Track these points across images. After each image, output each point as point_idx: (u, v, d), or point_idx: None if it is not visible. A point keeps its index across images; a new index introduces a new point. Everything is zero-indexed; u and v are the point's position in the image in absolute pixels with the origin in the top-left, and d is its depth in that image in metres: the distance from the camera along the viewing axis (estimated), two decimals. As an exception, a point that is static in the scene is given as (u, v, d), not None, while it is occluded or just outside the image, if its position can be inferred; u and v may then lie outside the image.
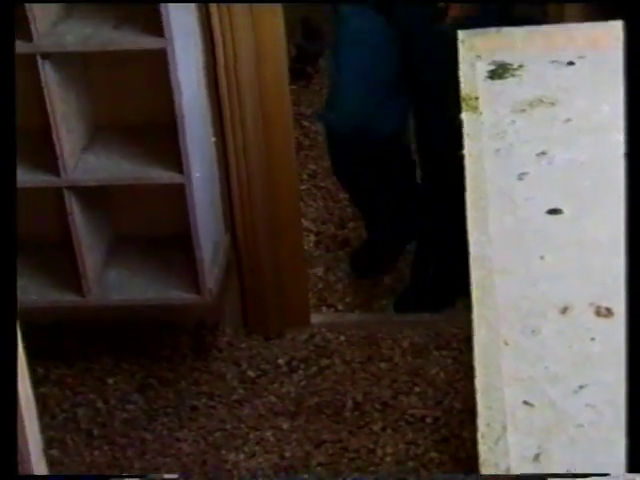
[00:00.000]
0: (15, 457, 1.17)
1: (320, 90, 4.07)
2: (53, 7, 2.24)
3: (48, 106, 2.23)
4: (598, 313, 1.10)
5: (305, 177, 3.54)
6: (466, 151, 1.38)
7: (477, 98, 1.52)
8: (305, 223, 3.22)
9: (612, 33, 1.70)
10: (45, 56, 2.18)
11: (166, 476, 2.35)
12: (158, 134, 2.42)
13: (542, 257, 1.20)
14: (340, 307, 2.92)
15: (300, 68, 4.18)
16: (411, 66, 2.55)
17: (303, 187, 3.41)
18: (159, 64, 2.19)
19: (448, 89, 1.60)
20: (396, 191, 2.77)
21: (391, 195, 2.78)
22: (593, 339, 1.08)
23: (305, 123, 3.89)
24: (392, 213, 2.86)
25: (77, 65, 2.37)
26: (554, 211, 1.28)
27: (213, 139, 2.53)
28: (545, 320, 1.11)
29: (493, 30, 1.75)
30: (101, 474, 2.37)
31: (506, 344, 1.08)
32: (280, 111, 2.63)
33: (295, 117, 3.50)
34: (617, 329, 1.08)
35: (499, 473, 0.93)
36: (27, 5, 2.12)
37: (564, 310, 1.11)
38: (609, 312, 1.10)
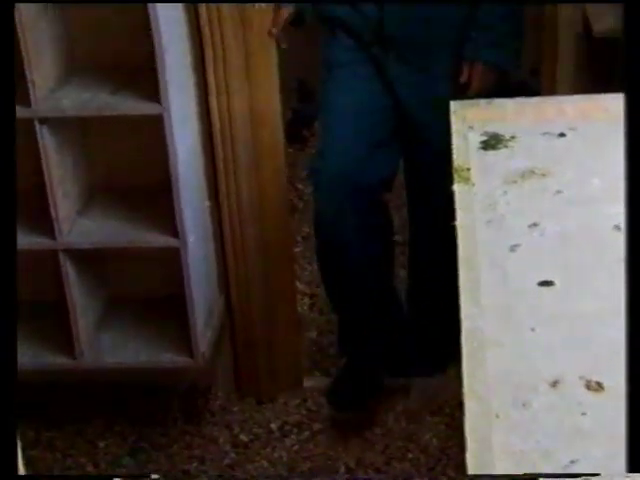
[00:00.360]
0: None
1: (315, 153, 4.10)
2: (52, 72, 2.27)
3: (45, 170, 2.25)
4: (589, 387, 1.11)
5: (299, 239, 3.55)
6: (458, 222, 1.39)
7: (469, 169, 1.53)
8: (299, 286, 3.23)
9: (602, 105, 1.73)
10: (43, 121, 2.20)
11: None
12: (153, 197, 2.44)
13: (533, 329, 1.21)
14: (333, 371, 2.92)
15: (296, 131, 4.22)
16: (404, 126, 2.55)
17: (297, 249, 3.43)
18: (155, 128, 2.22)
19: (444, 158, 1.62)
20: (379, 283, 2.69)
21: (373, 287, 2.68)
22: (584, 414, 1.08)
23: (300, 186, 3.91)
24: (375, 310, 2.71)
25: (74, 129, 2.40)
26: (545, 283, 1.29)
27: (208, 203, 2.55)
28: (536, 393, 1.11)
29: (484, 101, 1.77)
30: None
31: (497, 417, 1.09)
32: (275, 174, 2.66)
33: (290, 179, 3.53)
34: (608, 404, 1.08)
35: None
36: (27, 70, 2.15)
37: (555, 384, 1.12)
38: (599, 386, 1.11)
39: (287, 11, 2.44)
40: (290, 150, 3.84)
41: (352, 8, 2.42)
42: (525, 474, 0.97)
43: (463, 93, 2.32)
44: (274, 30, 2.43)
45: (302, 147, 4.21)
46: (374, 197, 2.59)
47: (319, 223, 2.64)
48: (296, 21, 2.48)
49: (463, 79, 2.37)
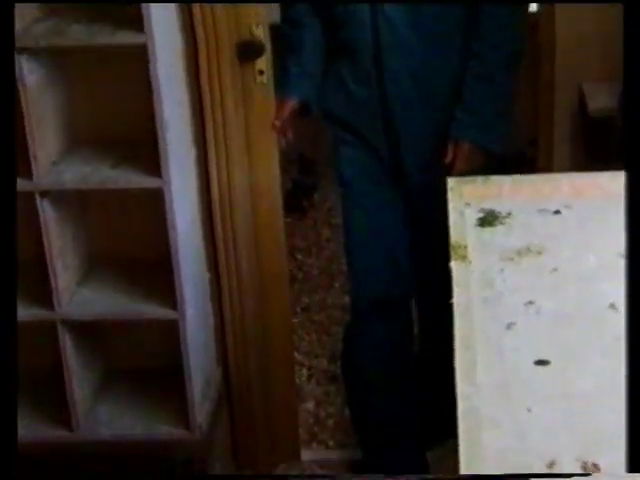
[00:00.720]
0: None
1: (314, 224, 4.13)
2: (54, 146, 2.29)
3: (45, 241, 2.26)
4: (585, 469, 1.11)
5: (298, 310, 3.56)
6: (455, 300, 1.40)
7: (466, 246, 1.55)
8: (297, 357, 3.22)
9: (597, 183, 1.75)
10: (44, 194, 2.22)
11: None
12: (153, 268, 2.45)
13: (529, 409, 1.21)
14: (331, 443, 2.90)
15: (296, 201, 4.26)
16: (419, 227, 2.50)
17: (296, 320, 3.43)
18: (156, 202, 2.23)
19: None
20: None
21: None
22: (580, 495, 1.08)
23: (299, 256, 3.93)
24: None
25: (75, 202, 2.42)
26: (541, 362, 1.30)
27: (207, 275, 2.56)
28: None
29: (481, 178, 1.79)
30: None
31: (494, 498, 1.08)
32: (274, 245, 2.68)
33: (289, 250, 3.55)
34: (604, 485, 1.08)
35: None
36: (30, 144, 2.18)
37: (551, 465, 1.12)
38: (596, 468, 1.10)
39: (292, 103, 2.38)
40: (289, 220, 3.87)
41: (356, 108, 2.37)
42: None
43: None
44: (277, 122, 2.38)
45: (301, 217, 4.24)
46: (399, 312, 2.58)
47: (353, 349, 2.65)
48: (302, 112, 2.41)
49: (448, 159, 2.28)
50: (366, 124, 2.37)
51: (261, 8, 2.46)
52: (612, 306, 1.40)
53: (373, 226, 2.48)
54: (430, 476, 2.06)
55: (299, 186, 4.39)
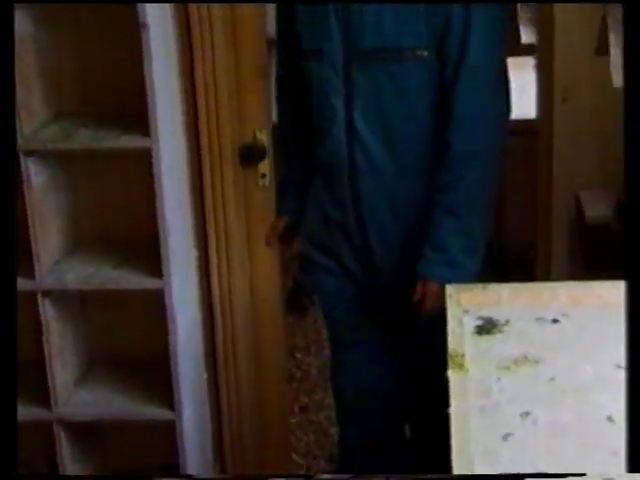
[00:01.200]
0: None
1: (315, 322, 4.13)
2: (57, 246, 2.32)
3: (45, 340, 2.27)
4: None
5: (297, 409, 3.53)
6: (452, 410, 1.40)
7: (464, 355, 1.56)
8: (295, 457, 3.19)
9: (595, 292, 1.77)
10: (46, 293, 2.24)
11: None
12: (152, 368, 2.45)
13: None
14: None
15: (296, 300, 4.26)
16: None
17: (294, 420, 3.40)
18: (156, 302, 2.25)
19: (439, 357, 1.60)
20: None
21: None
22: None
23: (298, 355, 3.92)
24: None
25: (76, 302, 2.44)
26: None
27: (205, 375, 2.56)
28: None
29: (480, 285, 1.81)
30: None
31: None
32: (274, 346, 2.68)
33: (289, 349, 3.55)
34: None
35: None
36: (33, 244, 2.20)
37: None
38: None
39: (284, 221, 2.38)
40: (290, 319, 3.87)
41: (334, 233, 2.29)
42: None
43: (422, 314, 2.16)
44: (270, 239, 2.42)
45: (302, 316, 4.24)
46: (390, 442, 2.49)
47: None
48: (293, 229, 2.40)
49: (416, 298, 2.14)
50: (344, 249, 2.28)
51: (264, 111, 2.51)
52: (609, 419, 1.40)
53: (358, 363, 2.39)
54: (427, 476, 1.98)
55: (300, 285, 4.40)
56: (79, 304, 2.46)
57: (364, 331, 2.38)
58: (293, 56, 2.23)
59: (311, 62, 2.17)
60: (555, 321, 1.72)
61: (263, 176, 2.51)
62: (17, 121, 2.11)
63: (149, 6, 2.09)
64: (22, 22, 2.15)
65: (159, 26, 2.18)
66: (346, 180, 2.18)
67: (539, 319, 1.73)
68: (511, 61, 2.21)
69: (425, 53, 2.07)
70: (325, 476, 2.45)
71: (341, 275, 2.33)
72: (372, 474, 2.21)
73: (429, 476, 1.90)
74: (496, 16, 2.10)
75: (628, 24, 1.28)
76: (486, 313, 1.75)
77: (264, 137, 2.49)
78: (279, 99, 2.40)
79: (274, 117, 2.48)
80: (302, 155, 2.33)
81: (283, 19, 2.26)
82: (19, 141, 2.14)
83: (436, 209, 2.13)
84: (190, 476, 2.37)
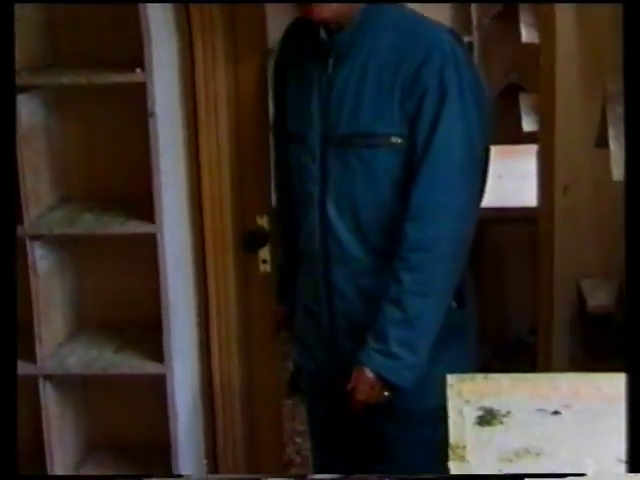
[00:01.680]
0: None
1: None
2: (60, 329, 2.33)
3: (44, 423, 2.27)
4: None
5: (295, 496, 3.49)
6: (453, 502, 1.39)
7: (465, 447, 1.55)
8: None
9: (595, 384, 1.76)
10: (47, 377, 2.24)
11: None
12: (152, 452, 2.44)
13: None
14: None
15: (297, 383, 4.24)
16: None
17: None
18: (157, 387, 2.25)
19: None
20: None
21: None
22: None
23: (298, 439, 3.89)
24: None
25: (77, 385, 2.43)
26: None
27: (205, 461, 2.54)
28: None
29: (481, 375, 1.81)
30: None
31: None
32: (272, 433, 2.67)
33: (288, 433, 3.52)
34: None
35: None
36: (36, 326, 2.21)
37: None
38: None
39: (282, 310, 2.39)
40: (290, 403, 3.85)
41: (311, 327, 2.24)
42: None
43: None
44: (275, 332, 2.49)
45: (303, 399, 4.21)
46: None
47: None
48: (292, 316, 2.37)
49: (349, 386, 2.05)
50: (313, 339, 2.24)
51: (266, 196, 2.53)
52: (612, 514, 1.39)
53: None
54: (425, 476, 1.93)
55: (300, 368, 4.38)
56: (80, 388, 2.46)
57: (349, 449, 2.31)
58: (284, 140, 2.23)
59: (295, 146, 2.16)
60: (556, 413, 1.71)
61: (264, 262, 2.53)
62: (24, 206, 2.14)
63: (158, 94, 2.13)
64: (33, 109, 2.19)
65: (167, 113, 2.22)
66: (321, 267, 2.14)
67: (540, 410, 1.72)
68: (511, 149, 2.20)
69: (399, 140, 2.04)
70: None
71: (313, 365, 2.32)
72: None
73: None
74: (471, 110, 2.05)
75: (628, 102, 1.28)
76: (487, 403, 1.74)
77: (265, 223, 2.51)
78: (276, 184, 2.41)
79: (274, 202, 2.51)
80: (294, 242, 2.27)
81: (278, 101, 2.26)
82: (25, 226, 2.16)
83: (384, 297, 2.04)
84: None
